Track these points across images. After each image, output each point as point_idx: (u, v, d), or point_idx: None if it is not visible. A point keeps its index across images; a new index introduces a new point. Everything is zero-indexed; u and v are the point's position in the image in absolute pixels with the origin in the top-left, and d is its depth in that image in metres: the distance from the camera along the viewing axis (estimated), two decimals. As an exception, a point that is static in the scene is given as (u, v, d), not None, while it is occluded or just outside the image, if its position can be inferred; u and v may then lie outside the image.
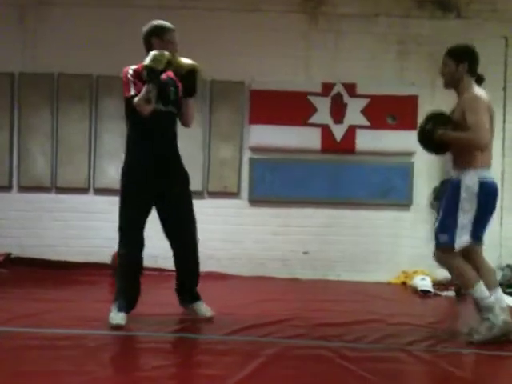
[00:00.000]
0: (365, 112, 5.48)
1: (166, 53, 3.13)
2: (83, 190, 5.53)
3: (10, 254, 5.37)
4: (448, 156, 5.29)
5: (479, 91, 3.12)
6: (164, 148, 3.36)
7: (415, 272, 5.11)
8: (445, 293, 4.85)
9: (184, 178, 3.47)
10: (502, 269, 5.43)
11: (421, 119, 5.36)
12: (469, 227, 3.02)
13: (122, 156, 5.19)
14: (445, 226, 3.09)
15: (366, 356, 2.83)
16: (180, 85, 3.38)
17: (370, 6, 5.57)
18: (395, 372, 2.66)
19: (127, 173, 3.35)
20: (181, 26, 5.41)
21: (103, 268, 5.24)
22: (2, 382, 2.27)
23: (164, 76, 3.24)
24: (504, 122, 5.61)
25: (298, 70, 5.54)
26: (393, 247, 5.37)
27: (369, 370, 2.57)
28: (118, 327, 3.17)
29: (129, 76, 3.24)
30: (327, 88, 5.48)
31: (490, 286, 3.12)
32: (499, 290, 3.16)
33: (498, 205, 5.38)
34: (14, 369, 2.44)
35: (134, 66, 3.29)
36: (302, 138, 5.46)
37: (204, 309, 3.46)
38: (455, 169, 3.16)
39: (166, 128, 3.37)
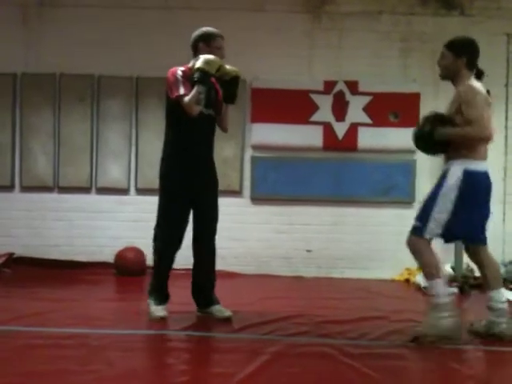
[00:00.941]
0: (367, 110, 5.47)
1: (217, 58, 3.21)
2: (85, 190, 5.54)
3: (12, 254, 5.38)
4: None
5: (475, 83, 3.07)
6: (204, 150, 3.44)
7: (419, 269, 5.10)
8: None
9: (216, 181, 3.56)
10: (506, 265, 5.41)
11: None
12: (443, 219, 2.98)
13: (124, 155, 5.23)
14: (421, 213, 3.07)
15: (370, 353, 2.83)
16: (220, 90, 3.45)
17: (373, 4, 5.56)
18: (399, 369, 2.66)
19: (168, 173, 3.42)
20: (185, 26, 5.44)
21: (107, 267, 5.27)
22: (6, 382, 2.27)
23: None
24: (506, 119, 5.61)
25: (300, 68, 5.53)
26: (396, 244, 5.32)
27: (372, 367, 2.57)
28: (161, 319, 3.30)
29: (178, 76, 3.28)
30: (329, 86, 5.48)
31: (492, 286, 3.12)
32: (503, 290, 3.14)
33: (500, 200, 5.49)
34: (18, 368, 2.45)
35: (182, 68, 3.34)
36: (304, 136, 5.46)
37: (223, 310, 3.48)
38: (445, 161, 3.14)
39: (206, 131, 3.44)
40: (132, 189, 5.57)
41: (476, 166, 3.02)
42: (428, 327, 2.99)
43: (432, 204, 3.03)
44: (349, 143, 5.48)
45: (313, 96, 5.50)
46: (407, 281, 5.29)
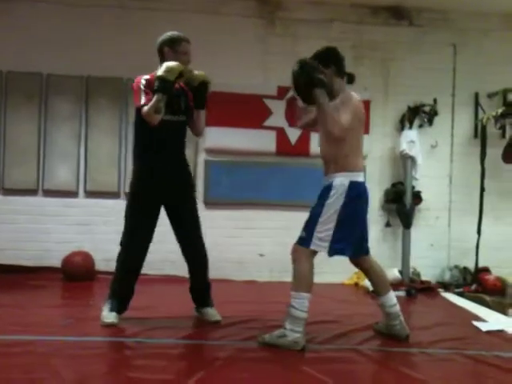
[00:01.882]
0: (319, 116, 5.54)
1: (179, 64, 3.17)
2: (32, 192, 5.36)
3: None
4: (402, 159, 5.47)
5: (355, 95, 3.11)
6: (173, 157, 3.41)
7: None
8: (395, 293, 4.94)
9: (191, 186, 3.58)
10: (451, 269, 5.62)
11: (373, 124, 5.58)
12: (328, 232, 2.98)
13: (73, 156, 5.14)
14: (307, 224, 3.08)
15: (320, 357, 2.87)
16: (190, 95, 3.44)
17: (325, 12, 5.65)
18: (349, 372, 2.71)
19: (136, 181, 3.41)
20: (138, 26, 5.41)
21: (54, 272, 5.11)
22: None
23: (175, 86, 3.25)
24: (452, 127, 5.81)
25: (254, 73, 5.56)
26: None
27: (323, 370, 2.61)
28: (111, 326, 3.26)
29: (140, 85, 3.25)
30: (282, 91, 5.52)
31: (381, 292, 3.23)
32: (391, 294, 3.23)
33: (446, 207, 5.68)
34: (-42, 378, 2.35)
35: (147, 76, 3.30)
36: (258, 140, 5.48)
37: (213, 313, 3.56)
38: (327, 175, 3.10)
39: (174, 137, 3.42)
40: (81, 191, 5.43)
41: (358, 177, 3.05)
42: (274, 337, 3.00)
43: (317, 216, 3.02)
44: (301, 148, 5.54)
45: (266, 101, 5.54)
46: (356, 284, 5.40)
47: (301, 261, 3.04)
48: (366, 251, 3.24)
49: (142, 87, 3.24)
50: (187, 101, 3.45)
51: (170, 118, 3.32)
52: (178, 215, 3.49)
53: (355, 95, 3.11)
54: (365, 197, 3.12)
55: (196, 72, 3.35)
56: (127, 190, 5.13)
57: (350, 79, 3.21)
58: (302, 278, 3.02)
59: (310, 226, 3.05)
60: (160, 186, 3.36)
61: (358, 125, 3.06)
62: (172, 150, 3.42)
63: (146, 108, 3.16)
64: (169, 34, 3.37)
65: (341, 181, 3.02)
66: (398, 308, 3.23)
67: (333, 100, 3.04)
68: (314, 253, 3.06)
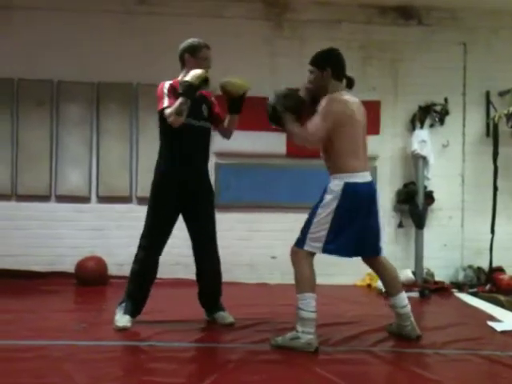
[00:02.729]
0: (329, 117, 5.52)
1: (204, 71, 3.25)
2: (44, 198, 5.41)
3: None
4: (413, 159, 5.44)
5: (341, 95, 3.07)
6: (195, 162, 3.46)
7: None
8: (408, 294, 4.91)
9: (210, 193, 3.62)
10: (464, 269, 5.56)
11: (383, 124, 5.55)
12: (322, 233, 2.98)
13: (85, 161, 5.20)
14: (303, 226, 3.08)
15: (333, 359, 2.86)
16: (215, 102, 3.58)
17: (333, 13, 5.64)
18: (362, 374, 2.69)
19: (158, 184, 3.45)
20: (146, 31, 5.45)
21: (67, 277, 5.14)
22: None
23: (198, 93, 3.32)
24: (464, 126, 5.76)
25: (263, 75, 5.54)
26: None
27: (336, 372, 2.59)
28: (124, 329, 3.28)
29: (164, 90, 3.32)
30: (292, 93, 5.50)
31: (393, 293, 3.21)
32: (403, 295, 3.21)
33: (458, 207, 5.63)
34: (-28, 383, 2.37)
35: (170, 81, 3.37)
36: (268, 142, 5.47)
37: (226, 316, 3.59)
38: (329, 175, 3.13)
39: (197, 142, 3.46)
40: (93, 196, 5.47)
41: (354, 178, 3.02)
42: (287, 340, 2.99)
43: (312, 218, 3.04)
44: (312, 150, 5.50)
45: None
46: (369, 286, 5.36)
47: (299, 263, 3.06)
48: (377, 252, 3.20)
49: (165, 91, 3.31)
50: (210, 108, 3.53)
51: (194, 122, 3.38)
52: (195, 219, 3.53)
53: (339, 97, 3.05)
54: (365, 197, 3.06)
55: (238, 80, 3.48)
56: (139, 194, 5.25)
57: (349, 84, 3.20)
58: (304, 279, 3.03)
59: (305, 228, 3.07)
60: (180, 191, 3.41)
61: (345, 126, 3.01)
62: (194, 154, 3.46)
63: (168, 109, 3.22)
64: (189, 40, 3.45)
65: (335, 183, 3.03)
66: (409, 309, 3.21)
67: None
68: (312, 254, 3.06)
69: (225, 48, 5.46)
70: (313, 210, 3.07)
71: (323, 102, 3.03)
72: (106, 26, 5.47)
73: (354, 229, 3.02)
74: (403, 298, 3.21)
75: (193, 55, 3.40)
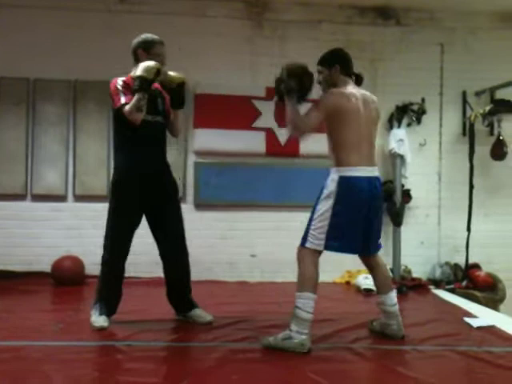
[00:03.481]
0: (308, 116, 5.54)
1: (156, 63, 3.18)
2: (20, 197, 5.32)
3: None
4: (391, 158, 5.49)
5: (343, 89, 3.07)
6: (153, 158, 3.41)
7: (359, 271, 5.22)
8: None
9: (173, 187, 3.55)
10: (441, 266, 5.64)
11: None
12: (322, 229, 2.98)
13: (61, 160, 5.13)
14: (307, 224, 3.08)
15: (313, 356, 2.87)
16: (167, 96, 3.45)
17: (313, 13, 5.66)
18: (342, 372, 2.70)
19: (117, 183, 3.40)
20: (125, 30, 5.37)
21: (43, 277, 5.06)
22: None
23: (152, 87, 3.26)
24: (441, 126, 5.83)
25: (243, 74, 5.55)
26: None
27: (317, 370, 2.60)
28: (101, 329, 3.25)
29: (118, 86, 3.27)
30: (271, 92, 5.51)
31: (383, 291, 3.23)
32: (393, 293, 3.23)
33: (435, 204, 5.70)
34: None
35: (123, 78, 3.32)
36: (247, 141, 5.47)
37: (203, 314, 3.55)
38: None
39: (154, 138, 3.41)
40: (69, 195, 5.39)
41: (350, 172, 2.99)
42: (279, 340, 2.96)
43: (313, 215, 3.04)
44: (291, 149, 5.54)
45: (255, 102, 5.53)
46: (348, 283, 5.41)
47: (304, 261, 3.04)
48: (377, 249, 3.22)
49: (119, 88, 3.26)
50: (164, 103, 3.46)
51: (151, 118, 3.33)
52: (161, 216, 3.46)
53: (337, 90, 3.07)
54: (364, 192, 3.01)
55: (173, 73, 3.35)
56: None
57: (358, 80, 3.23)
58: (305, 278, 3.01)
59: (307, 226, 3.06)
60: (141, 188, 3.35)
61: (342, 118, 3.00)
62: (153, 150, 3.41)
63: (127, 107, 3.16)
64: (143, 36, 3.38)
65: (332, 177, 3.02)
66: (397, 308, 3.23)
67: None
68: (319, 252, 3.04)
69: (206, 47, 5.46)
70: (313, 207, 3.06)
71: (321, 97, 3.05)
72: (86, 25, 5.39)
73: (357, 224, 3.00)
74: (393, 296, 3.23)
75: (146, 50, 3.32)
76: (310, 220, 3.05)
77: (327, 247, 3.01)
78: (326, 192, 3.01)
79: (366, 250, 3.17)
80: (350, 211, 2.98)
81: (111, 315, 3.41)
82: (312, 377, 2.53)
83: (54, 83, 5.34)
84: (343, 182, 2.97)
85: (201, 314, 3.56)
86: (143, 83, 3.12)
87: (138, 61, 3.32)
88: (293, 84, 3.04)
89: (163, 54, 3.36)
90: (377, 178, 3.12)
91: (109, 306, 3.40)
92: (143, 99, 3.14)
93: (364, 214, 3.02)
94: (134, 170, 3.35)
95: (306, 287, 2.99)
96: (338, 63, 3.15)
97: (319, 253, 3.05)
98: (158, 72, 3.18)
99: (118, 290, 3.44)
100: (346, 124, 3.02)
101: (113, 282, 3.41)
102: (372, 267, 3.28)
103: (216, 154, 5.52)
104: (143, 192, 3.36)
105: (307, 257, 3.03)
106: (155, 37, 3.38)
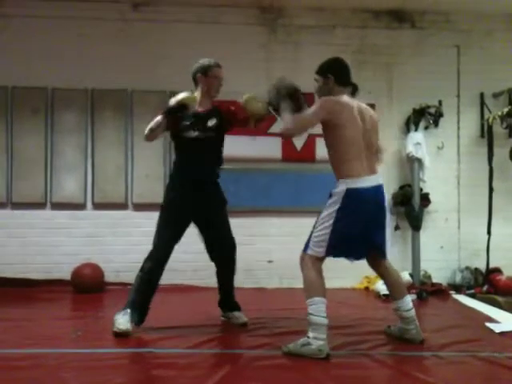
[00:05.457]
0: (324, 121, 5.53)
1: (186, 97, 3.38)
2: (40, 205, 5.39)
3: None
4: (408, 161, 5.45)
5: (336, 97, 3.07)
6: (202, 173, 3.55)
7: (377, 277, 5.16)
8: (407, 297, 4.91)
9: (220, 200, 3.68)
10: (461, 271, 5.57)
11: (379, 127, 5.55)
12: (324, 237, 2.98)
13: (80, 168, 5.21)
14: (311, 232, 3.09)
15: (333, 363, 2.84)
16: (230, 110, 3.68)
17: (327, 18, 5.67)
18: (362, 378, 2.67)
19: (169, 194, 3.59)
20: (140, 38, 5.45)
21: (63, 284, 5.12)
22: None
23: (203, 110, 3.54)
24: (458, 128, 5.78)
25: (258, 80, 5.54)
26: (355, 254, 5.42)
27: (336, 377, 2.58)
28: (125, 333, 3.26)
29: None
30: (287, 97, 5.51)
31: (397, 296, 3.21)
32: (407, 298, 3.20)
33: (455, 208, 5.64)
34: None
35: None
36: (263, 147, 5.48)
37: (241, 316, 3.73)
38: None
39: (201, 153, 3.53)
40: (88, 203, 5.45)
41: (357, 184, 2.99)
42: (298, 346, 2.95)
43: (316, 223, 3.06)
44: (307, 154, 5.53)
45: (271, 107, 5.51)
46: (367, 289, 5.37)
47: (307, 268, 3.04)
48: (383, 255, 3.20)
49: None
50: (219, 120, 3.61)
51: (198, 135, 3.50)
52: (208, 228, 3.65)
53: (335, 98, 3.06)
54: (370, 202, 3.02)
55: (257, 105, 3.56)
56: (135, 200, 5.28)
57: (353, 90, 3.22)
58: (311, 284, 3.01)
59: (310, 233, 3.09)
60: (189, 201, 3.48)
61: (339, 130, 2.99)
62: (202, 165, 3.53)
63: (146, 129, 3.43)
64: (201, 61, 3.63)
65: (340, 188, 3.01)
66: (413, 312, 3.20)
67: None
68: (320, 259, 3.05)
69: (221, 53, 5.45)
70: (318, 216, 3.07)
71: (315, 104, 3.05)
72: (101, 34, 5.47)
73: (359, 231, 2.99)
74: (408, 301, 3.20)
75: (204, 74, 3.56)
76: (314, 228, 3.08)
77: (329, 253, 3.02)
78: (330, 201, 3.02)
79: (368, 255, 3.17)
80: (356, 219, 2.98)
81: (139, 325, 3.39)
82: (331, 383, 2.50)
83: (71, 92, 5.41)
84: (350, 193, 2.97)
85: (238, 315, 3.71)
86: (167, 111, 3.38)
87: (197, 85, 3.59)
88: (284, 92, 3.21)
89: (220, 76, 3.61)
90: (380, 185, 3.13)
91: (140, 315, 3.40)
92: (158, 124, 3.38)
93: (367, 223, 3.02)
94: (181, 185, 3.52)
95: (313, 292, 2.98)
96: (332, 74, 3.15)
97: (321, 259, 3.05)
98: (184, 105, 3.36)
99: (150, 300, 3.45)
100: (345, 135, 3.01)
101: (149, 292, 3.44)
102: (382, 273, 3.27)
103: (232, 160, 5.49)
104: (190, 205, 3.49)
105: (311, 263, 3.04)
106: (212, 60, 3.62)
